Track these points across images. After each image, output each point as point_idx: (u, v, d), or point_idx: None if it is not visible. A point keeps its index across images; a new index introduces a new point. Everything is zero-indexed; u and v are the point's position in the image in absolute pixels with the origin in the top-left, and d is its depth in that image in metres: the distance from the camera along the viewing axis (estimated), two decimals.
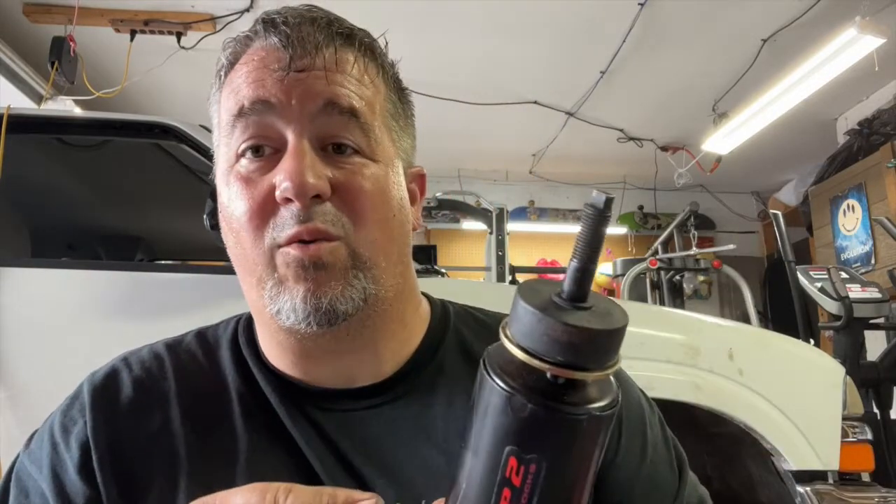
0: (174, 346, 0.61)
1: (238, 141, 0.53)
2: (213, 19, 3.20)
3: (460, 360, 0.60)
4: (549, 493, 0.28)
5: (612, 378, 0.30)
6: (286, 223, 0.50)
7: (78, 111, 3.09)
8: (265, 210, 0.51)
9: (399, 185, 0.57)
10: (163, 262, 2.41)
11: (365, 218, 0.52)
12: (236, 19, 3.19)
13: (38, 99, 3.38)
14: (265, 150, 0.52)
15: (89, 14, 3.12)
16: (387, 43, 0.60)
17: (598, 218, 0.28)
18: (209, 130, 1.56)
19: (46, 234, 2.24)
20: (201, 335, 0.63)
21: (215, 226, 1.21)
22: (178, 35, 3.25)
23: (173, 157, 1.82)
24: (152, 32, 3.23)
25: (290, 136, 0.51)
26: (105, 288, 1.46)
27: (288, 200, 0.50)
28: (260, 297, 0.52)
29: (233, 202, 0.53)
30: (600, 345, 0.28)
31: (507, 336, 0.29)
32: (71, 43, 3.01)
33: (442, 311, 0.64)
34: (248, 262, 0.53)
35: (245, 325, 0.62)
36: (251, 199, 0.52)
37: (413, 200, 0.61)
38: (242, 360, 0.59)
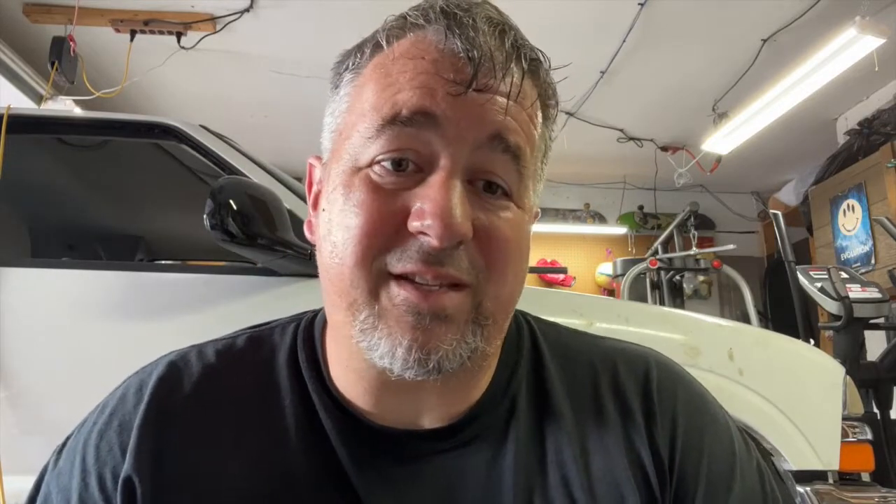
0: (227, 355, 0.55)
1: (381, 149, 0.45)
2: (213, 19, 3.20)
3: (534, 400, 0.54)
4: None
5: None
6: (410, 255, 0.43)
7: (78, 111, 3.09)
8: (387, 230, 0.44)
9: (529, 236, 0.51)
10: (163, 262, 2.41)
11: (500, 270, 0.46)
12: (236, 19, 3.19)
13: (38, 99, 3.38)
14: (408, 165, 0.45)
15: (89, 14, 3.11)
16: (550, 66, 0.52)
17: None
18: (209, 131, 1.57)
19: (46, 234, 2.23)
20: (255, 342, 0.56)
21: (215, 226, 1.21)
22: (178, 35, 3.25)
23: (173, 157, 1.82)
24: (152, 32, 3.23)
25: (444, 162, 0.45)
26: (105, 288, 1.46)
27: (424, 235, 0.43)
28: (348, 323, 0.46)
29: (350, 209, 0.45)
30: None
31: None
32: (71, 43, 3.01)
33: (516, 334, 0.57)
34: (343, 282, 0.45)
35: (305, 335, 0.55)
36: (376, 212, 0.44)
37: None
38: (301, 383, 0.52)
